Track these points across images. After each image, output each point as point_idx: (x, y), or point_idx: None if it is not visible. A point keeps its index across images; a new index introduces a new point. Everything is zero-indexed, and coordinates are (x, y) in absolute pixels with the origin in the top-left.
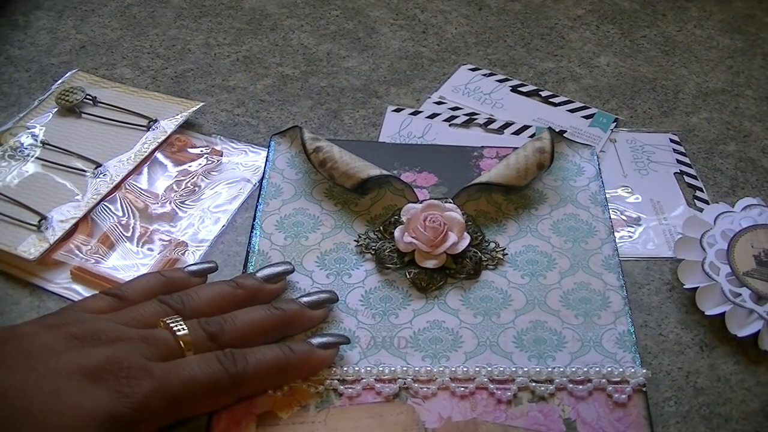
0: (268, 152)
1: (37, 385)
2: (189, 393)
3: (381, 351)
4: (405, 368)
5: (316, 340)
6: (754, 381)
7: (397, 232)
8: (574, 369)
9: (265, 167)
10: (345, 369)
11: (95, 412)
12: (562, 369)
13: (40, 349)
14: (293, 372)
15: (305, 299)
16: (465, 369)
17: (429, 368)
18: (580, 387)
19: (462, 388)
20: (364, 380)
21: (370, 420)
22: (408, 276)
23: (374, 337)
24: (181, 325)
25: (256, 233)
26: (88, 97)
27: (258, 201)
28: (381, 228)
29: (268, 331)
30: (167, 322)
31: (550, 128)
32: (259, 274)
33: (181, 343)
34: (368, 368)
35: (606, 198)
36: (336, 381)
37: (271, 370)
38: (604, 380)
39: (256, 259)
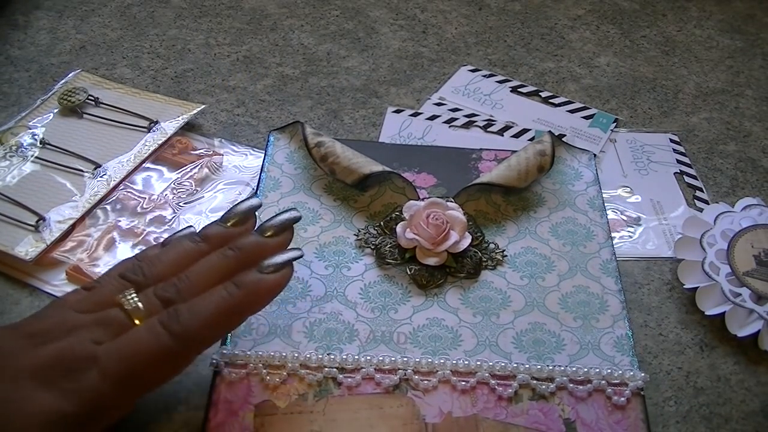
0: (266, 147)
1: None
2: (137, 369)
3: (380, 346)
4: (405, 359)
5: (264, 264)
6: (754, 381)
7: (399, 228)
8: (574, 369)
9: (263, 161)
10: (344, 357)
11: (45, 415)
12: (562, 368)
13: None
14: (244, 309)
15: (265, 225)
16: (466, 362)
17: (430, 360)
18: (580, 387)
19: (463, 383)
20: (363, 370)
21: (370, 411)
22: (409, 272)
23: (373, 331)
24: (133, 298)
25: (261, 202)
26: (90, 97)
27: (256, 193)
28: (381, 224)
29: (230, 278)
30: (119, 298)
31: (550, 132)
32: (264, 225)
33: (135, 318)
34: (368, 357)
35: (604, 203)
36: (335, 369)
37: (218, 316)
38: (603, 381)
39: None
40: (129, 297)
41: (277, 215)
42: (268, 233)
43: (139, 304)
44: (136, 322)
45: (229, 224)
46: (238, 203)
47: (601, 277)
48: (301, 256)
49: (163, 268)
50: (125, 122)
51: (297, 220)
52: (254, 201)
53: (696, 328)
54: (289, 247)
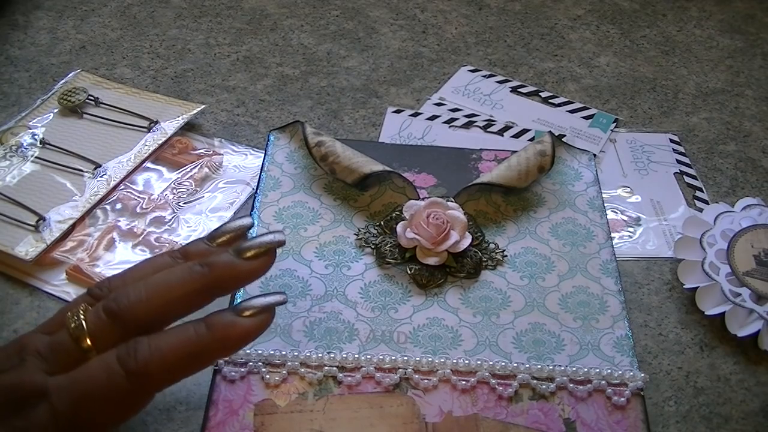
0: (266, 146)
1: None
2: (89, 408)
3: (380, 345)
4: (405, 358)
5: (242, 305)
6: (754, 381)
7: (399, 228)
8: (574, 369)
9: (263, 161)
10: (344, 356)
11: None
12: (563, 368)
13: None
14: (212, 354)
15: (241, 246)
16: (466, 362)
17: (430, 359)
18: (581, 387)
19: (463, 382)
20: (363, 368)
21: (370, 411)
22: (409, 272)
23: (373, 330)
24: (77, 315)
25: (254, 222)
26: (90, 97)
27: (256, 192)
28: (382, 223)
29: (192, 299)
30: (67, 317)
31: (550, 132)
32: (240, 247)
33: (79, 339)
34: (368, 356)
35: (603, 203)
36: (335, 368)
37: (181, 357)
38: (603, 382)
39: None
40: (75, 314)
41: (259, 235)
42: (247, 254)
43: (83, 322)
44: (84, 343)
45: (215, 243)
46: (228, 221)
47: (601, 277)
48: (284, 302)
49: (125, 282)
50: (125, 122)
51: (281, 244)
52: (246, 221)
53: (696, 328)
54: (272, 292)
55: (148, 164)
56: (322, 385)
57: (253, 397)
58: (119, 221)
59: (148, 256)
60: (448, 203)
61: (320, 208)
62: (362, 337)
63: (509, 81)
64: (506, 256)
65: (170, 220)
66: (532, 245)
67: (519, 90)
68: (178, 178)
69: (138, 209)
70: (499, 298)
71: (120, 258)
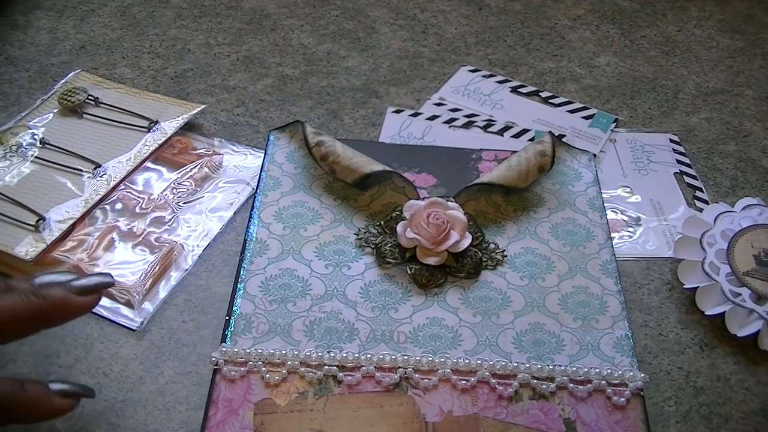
0: (266, 146)
1: None
2: None
3: (380, 345)
4: (406, 357)
5: (56, 386)
6: (754, 381)
7: (399, 228)
8: (574, 368)
9: (263, 161)
10: (344, 355)
11: None
12: (563, 368)
13: None
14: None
15: (75, 283)
16: (467, 361)
17: (430, 358)
18: (581, 387)
19: (463, 381)
20: (363, 368)
21: (370, 410)
22: (409, 272)
23: (374, 330)
24: None
25: (254, 222)
26: (90, 97)
27: (256, 191)
28: (382, 223)
29: (23, 324)
30: None
31: (550, 132)
32: (73, 283)
33: None
34: (368, 356)
35: (603, 203)
36: (335, 367)
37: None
38: (603, 382)
39: (254, 246)
40: None
41: (91, 275)
42: (80, 291)
43: None
44: None
45: (74, 291)
46: (91, 275)
47: (600, 277)
48: (112, 284)
49: None
50: (125, 122)
51: (109, 285)
52: (109, 279)
53: (696, 328)
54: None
55: (148, 164)
56: (322, 385)
57: (253, 397)
58: (119, 221)
59: (148, 256)
60: (448, 203)
61: (320, 207)
62: (362, 336)
63: (509, 81)
64: (506, 256)
65: (170, 220)
66: (532, 245)
67: (519, 90)
68: (178, 178)
69: (138, 209)
70: (499, 298)
71: (120, 258)
